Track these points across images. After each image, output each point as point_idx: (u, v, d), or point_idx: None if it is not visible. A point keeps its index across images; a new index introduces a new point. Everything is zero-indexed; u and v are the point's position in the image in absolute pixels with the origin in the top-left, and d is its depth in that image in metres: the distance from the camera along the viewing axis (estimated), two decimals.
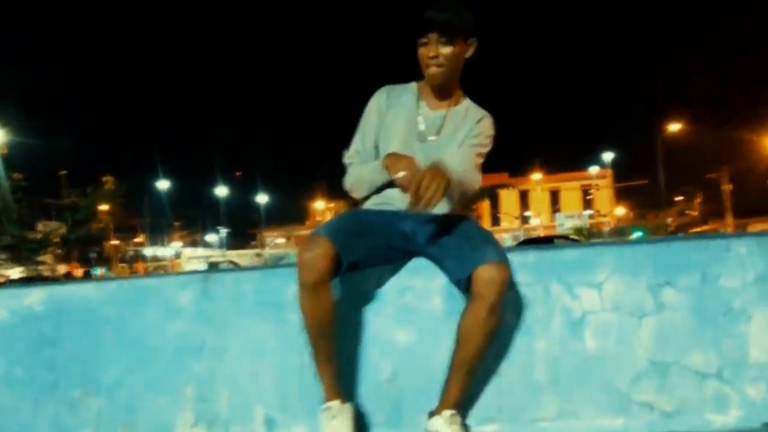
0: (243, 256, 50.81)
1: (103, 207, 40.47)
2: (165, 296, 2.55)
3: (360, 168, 2.42)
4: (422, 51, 2.30)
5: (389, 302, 2.42)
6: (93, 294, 2.59)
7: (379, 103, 2.44)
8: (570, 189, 67.83)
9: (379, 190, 2.40)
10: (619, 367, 2.31)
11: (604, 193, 66.74)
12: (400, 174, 2.17)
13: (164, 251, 53.70)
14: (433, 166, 1.97)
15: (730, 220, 46.68)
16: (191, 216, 63.76)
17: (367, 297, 2.40)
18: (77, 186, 38.51)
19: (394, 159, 2.25)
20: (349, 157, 2.48)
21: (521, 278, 2.37)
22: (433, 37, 2.26)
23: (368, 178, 2.37)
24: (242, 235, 67.28)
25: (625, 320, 2.33)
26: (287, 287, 2.47)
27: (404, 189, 2.15)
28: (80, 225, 38.45)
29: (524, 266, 2.37)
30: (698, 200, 62.23)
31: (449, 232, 2.22)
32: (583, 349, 2.34)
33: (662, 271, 2.33)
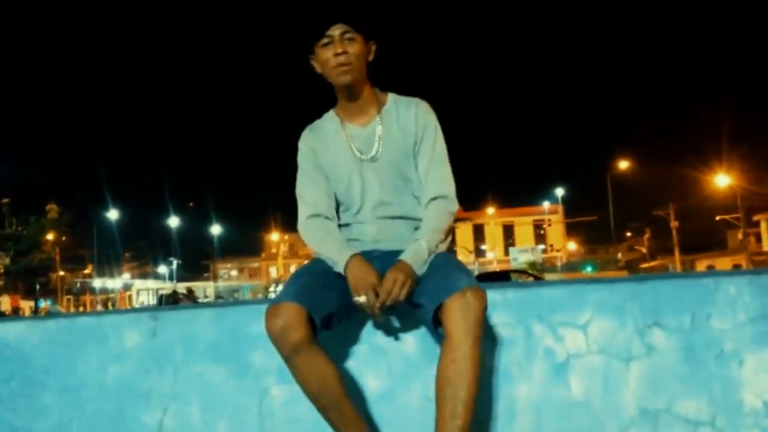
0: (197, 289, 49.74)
1: (49, 237, 39.18)
2: (108, 337, 2.30)
3: (321, 240, 2.12)
4: (325, 54, 2.08)
5: (360, 344, 2.22)
6: (25, 334, 2.33)
7: (306, 144, 2.22)
8: (523, 224, 68.58)
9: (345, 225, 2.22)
10: (606, 415, 2.15)
11: (556, 228, 67.67)
12: (360, 299, 1.95)
13: (113, 283, 52.16)
14: (396, 270, 1.93)
15: (677, 256, 47.69)
16: (142, 247, 62.35)
17: (335, 340, 2.20)
18: (20, 215, 37.28)
19: (355, 276, 1.98)
20: (308, 210, 2.19)
21: (500, 318, 2.20)
22: (336, 33, 2.06)
23: (326, 258, 2.09)
24: (195, 267, 65.83)
25: (612, 364, 2.17)
26: (246, 326, 2.26)
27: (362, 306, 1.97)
28: (23, 255, 37.12)
29: (504, 304, 2.21)
30: (647, 236, 63.51)
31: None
32: (568, 396, 2.17)
33: (650, 311, 2.18)
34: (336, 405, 1.91)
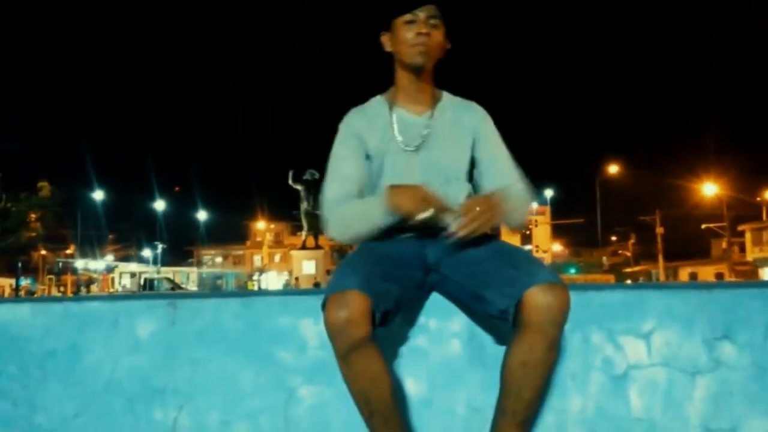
0: (178, 274, 49.29)
1: (34, 215, 38.53)
2: (121, 325, 2.08)
3: (351, 207, 1.93)
4: (404, 32, 1.94)
5: (398, 345, 2.02)
6: (28, 318, 2.10)
7: (352, 126, 2.03)
8: None
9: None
10: None
11: (542, 230, 67.82)
12: (424, 214, 1.75)
13: (96, 264, 51.53)
14: (490, 196, 1.77)
15: (661, 262, 47.93)
16: (126, 229, 61.69)
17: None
18: (9, 191, 36.59)
19: (400, 194, 1.79)
20: (332, 198, 1.96)
21: None
22: (423, 15, 1.93)
23: (368, 220, 1.88)
24: (179, 253, 65.20)
25: (676, 378, 1.99)
26: (274, 318, 2.05)
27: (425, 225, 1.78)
28: (10, 233, 36.47)
29: None
30: (632, 241, 63.75)
31: (485, 257, 1.83)
32: (626, 411, 1.98)
33: (719, 323, 2.00)
34: (385, 411, 1.70)
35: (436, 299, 2.00)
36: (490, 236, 1.96)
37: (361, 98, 2.12)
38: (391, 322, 1.74)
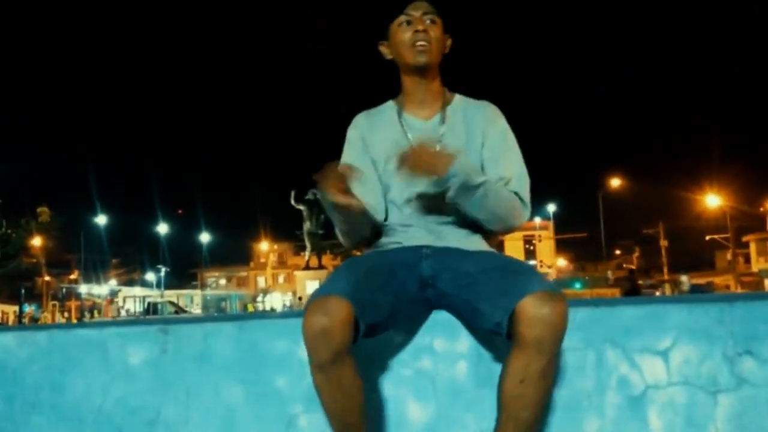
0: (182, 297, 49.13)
1: (36, 241, 38.48)
2: (111, 353, 1.98)
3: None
4: (401, 34, 1.88)
5: (402, 367, 1.91)
6: (13, 347, 2.00)
7: (358, 129, 1.98)
8: (513, 239, 68.41)
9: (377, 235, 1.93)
10: None
11: (545, 245, 67.63)
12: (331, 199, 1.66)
13: (100, 289, 51.38)
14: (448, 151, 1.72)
15: (666, 275, 47.72)
16: (129, 253, 61.58)
17: (373, 361, 1.90)
18: (9, 216, 36.58)
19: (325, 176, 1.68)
20: None
21: (567, 341, 1.88)
22: (418, 13, 1.86)
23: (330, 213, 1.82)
24: (182, 275, 65.05)
25: (697, 397, 1.87)
26: (271, 343, 1.95)
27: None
28: (11, 259, 36.41)
29: (571, 325, 1.89)
30: (636, 254, 63.56)
31: (481, 269, 1.73)
32: None
33: (742, 337, 1.89)
34: (358, 426, 1.62)
35: (440, 317, 1.90)
36: (494, 252, 1.87)
37: (368, 106, 2.06)
38: (379, 335, 1.65)
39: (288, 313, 2.19)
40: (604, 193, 47.85)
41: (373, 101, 2.06)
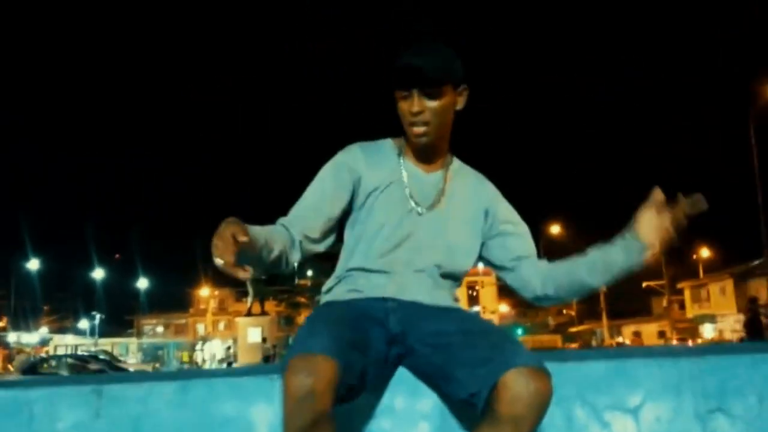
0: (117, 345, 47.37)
1: None
2: (35, 418, 1.78)
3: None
4: (403, 106, 1.75)
5: (358, 427, 1.77)
6: None
7: (353, 158, 1.82)
8: None
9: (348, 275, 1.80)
10: None
11: (488, 291, 68.18)
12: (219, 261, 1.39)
13: (30, 338, 49.09)
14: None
15: (605, 321, 48.58)
16: (62, 299, 59.25)
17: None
18: None
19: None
20: (281, 219, 1.77)
21: None
22: (414, 87, 1.70)
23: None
24: (118, 322, 62.78)
25: None
26: (218, 405, 1.78)
27: None
28: None
29: None
30: (575, 300, 64.60)
31: (455, 329, 1.63)
32: None
33: (713, 394, 1.83)
34: None
35: (402, 374, 1.78)
36: (467, 312, 1.78)
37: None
38: (353, 400, 1.51)
39: (236, 371, 2.02)
40: (545, 240, 48.74)
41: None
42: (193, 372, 3.00)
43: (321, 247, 1.78)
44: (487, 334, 1.58)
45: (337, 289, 1.80)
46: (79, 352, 32.76)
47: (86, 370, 19.87)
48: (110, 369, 20.22)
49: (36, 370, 18.52)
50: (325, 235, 1.78)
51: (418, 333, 1.67)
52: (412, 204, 1.78)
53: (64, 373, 17.52)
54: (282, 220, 1.74)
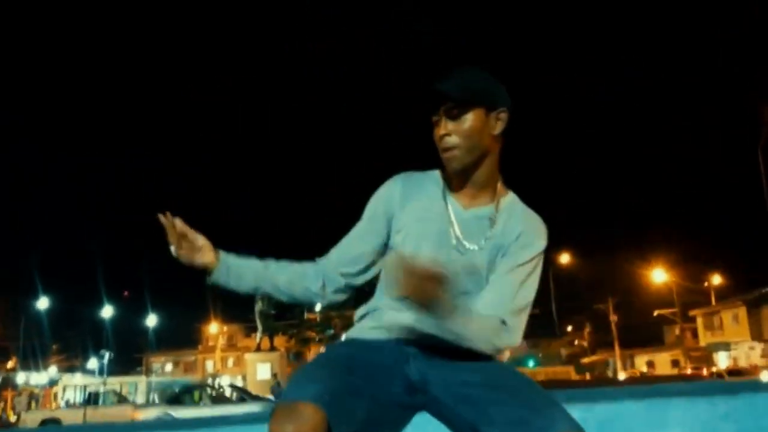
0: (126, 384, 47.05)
1: None
2: None
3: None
4: (435, 132, 1.72)
5: None
6: None
7: (389, 193, 1.78)
8: None
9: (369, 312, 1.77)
10: None
11: None
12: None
13: (39, 378, 48.85)
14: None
15: (617, 350, 48.11)
16: (70, 338, 59.07)
17: None
18: None
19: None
20: (317, 259, 1.84)
21: None
22: (440, 111, 1.68)
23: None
24: (127, 360, 62.49)
25: None
26: None
27: None
28: None
29: None
30: (587, 330, 64.05)
31: (484, 383, 1.58)
32: None
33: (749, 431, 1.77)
34: None
35: (420, 421, 1.73)
36: (495, 360, 1.71)
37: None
38: None
39: (228, 419, 1.97)
40: (555, 270, 48.48)
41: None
42: (202, 421, 2.96)
43: (359, 281, 1.81)
44: (518, 389, 1.54)
45: (362, 323, 1.77)
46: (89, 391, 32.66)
47: (226, 399, 20.52)
48: (249, 398, 20.12)
49: (180, 401, 19.59)
50: (361, 272, 1.80)
51: (441, 382, 1.62)
52: (451, 240, 1.72)
53: (207, 401, 18.45)
54: (322, 258, 1.82)
